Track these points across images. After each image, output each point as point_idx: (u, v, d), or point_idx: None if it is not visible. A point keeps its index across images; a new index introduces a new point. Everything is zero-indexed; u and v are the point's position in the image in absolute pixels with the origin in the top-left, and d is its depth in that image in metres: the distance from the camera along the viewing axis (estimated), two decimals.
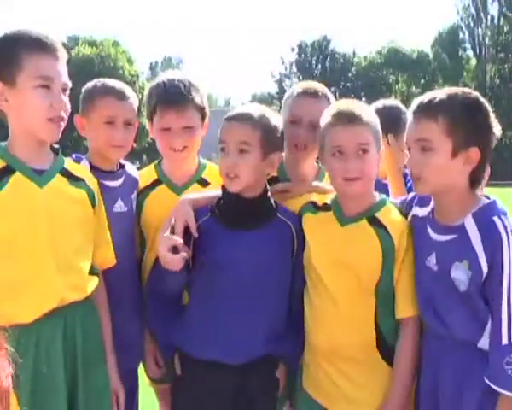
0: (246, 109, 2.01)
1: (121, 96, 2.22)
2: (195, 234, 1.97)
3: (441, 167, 1.76)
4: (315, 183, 2.26)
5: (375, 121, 1.97)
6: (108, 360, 2.00)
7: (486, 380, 1.67)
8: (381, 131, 2.00)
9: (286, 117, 2.25)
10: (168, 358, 2.13)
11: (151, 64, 69.41)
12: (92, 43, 42.42)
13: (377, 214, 1.96)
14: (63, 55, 1.83)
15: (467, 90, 1.83)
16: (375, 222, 1.95)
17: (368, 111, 1.99)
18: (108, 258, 2.07)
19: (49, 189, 1.81)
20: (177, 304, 2.13)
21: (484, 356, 1.70)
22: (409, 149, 1.86)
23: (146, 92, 2.37)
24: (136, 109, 2.30)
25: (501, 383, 1.64)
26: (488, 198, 1.81)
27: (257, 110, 1.99)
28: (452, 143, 1.75)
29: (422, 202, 1.98)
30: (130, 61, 43.56)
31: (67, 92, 1.84)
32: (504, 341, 1.63)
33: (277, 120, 2.05)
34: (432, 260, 1.83)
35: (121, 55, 42.51)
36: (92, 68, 36.37)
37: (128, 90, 2.27)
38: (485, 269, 1.68)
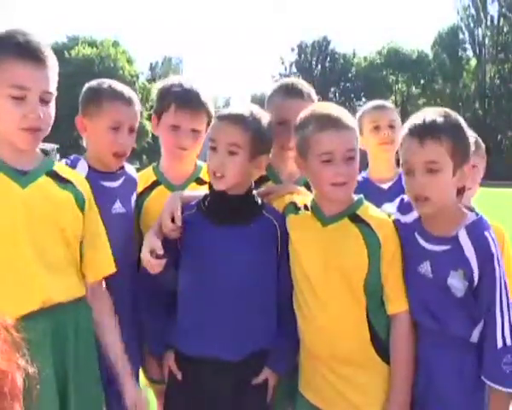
0: (238, 110, 2.01)
1: (129, 101, 2.22)
2: (179, 223, 2.00)
3: (446, 187, 1.86)
4: (293, 185, 2.25)
5: (356, 126, 2.01)
6: (121, 373, 1.90)
7: (485, 380, 1.81)
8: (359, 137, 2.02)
9: (273, 118, 2.18)
10: (157, 354, 2.14)
11: (151, 64, 69.31)
12: (92, 44, 42.49)
13: (358, 212, 1.98)
14: (49, 61, 1.68)
15: (447, 110, 1.92)
16: (356, 219, 1.96)
17: (350, 116, 2.01)
18: (107, 265, 1.97)
19: (32, 189, 1.74)
20: (168, 301, 2.12)
21: (474, 348, 1.86)
22: (408, 172, 1.87)
23: (158, 88, 2.37)
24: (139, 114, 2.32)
25: (500, 381, 1.80)
26: (471, 210, 1.93)
27: (249, 111, 1.99)
28: (453, 162, 1.84)
29: (404, 208, 2.02)
30: (130, 61, 43.64)
31: (51, 102, 1.73)
32: (499, 344, 1.80)
33: (269, 122, 2.05)
34: (425, 268, 1.91)
35: (121, 56, 42.58)
36: (92, 68, 36.42)
37: (134, 95, 2.28)
38: (476, 278, 1.81)
